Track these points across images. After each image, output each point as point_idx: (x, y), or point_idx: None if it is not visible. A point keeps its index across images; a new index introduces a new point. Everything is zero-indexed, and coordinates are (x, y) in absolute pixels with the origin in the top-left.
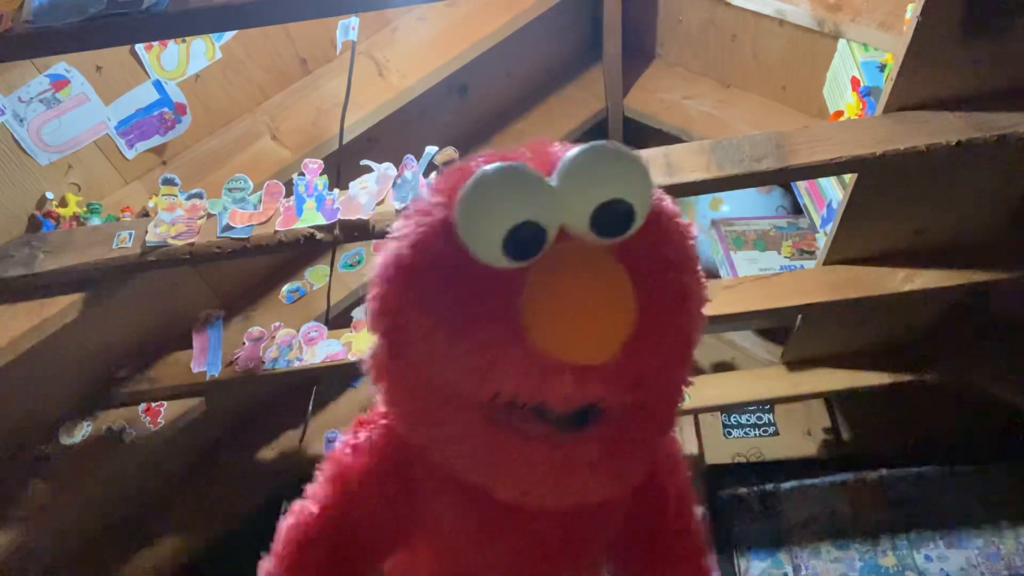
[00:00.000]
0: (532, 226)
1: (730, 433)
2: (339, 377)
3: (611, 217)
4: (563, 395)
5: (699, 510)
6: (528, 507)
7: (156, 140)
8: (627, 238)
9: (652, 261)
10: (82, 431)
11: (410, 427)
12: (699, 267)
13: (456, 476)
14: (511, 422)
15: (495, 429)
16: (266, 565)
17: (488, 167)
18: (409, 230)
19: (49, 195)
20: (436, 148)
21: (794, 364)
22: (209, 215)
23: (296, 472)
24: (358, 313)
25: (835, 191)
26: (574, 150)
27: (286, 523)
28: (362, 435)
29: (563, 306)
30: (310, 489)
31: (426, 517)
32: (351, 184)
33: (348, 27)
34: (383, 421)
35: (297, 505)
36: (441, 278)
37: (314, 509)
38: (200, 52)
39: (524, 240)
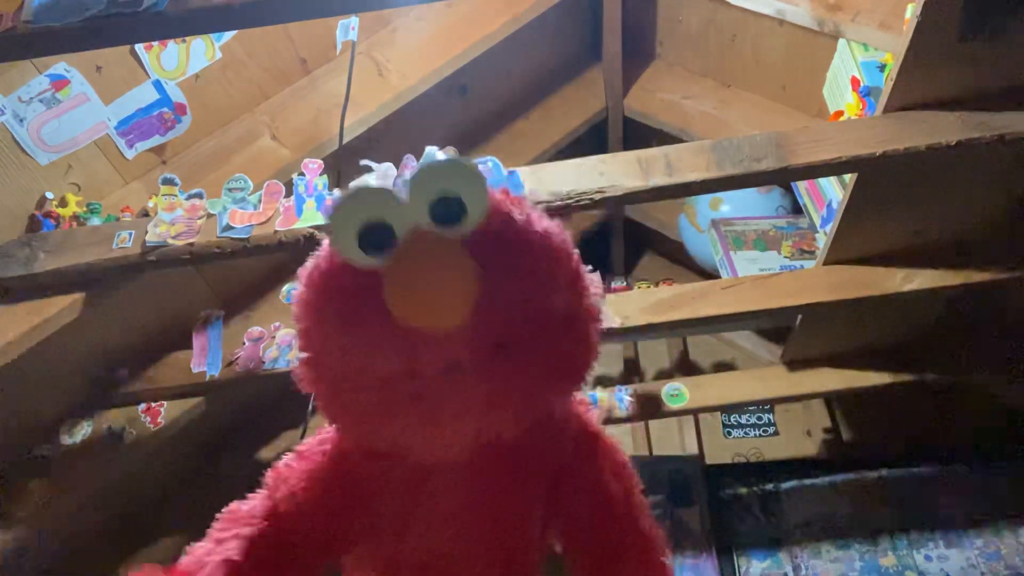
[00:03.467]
0: (379, 224)
1: (730, 433)
2: None
3: (446, 209)
4: (430, 358)
5: (650, 514)
6: (442, 472)
7: (156, 140)
8: (473, 230)
9: (496, 246)
10: (82, 431)
11: (331, 416)
12: (552, 240)
13: (376, 455)
14: (395, 389)
15: (385, 397)
16: (198, 550)
17: (346, 188)
18: (305, 269)
19: (49, 195)
20: (436, 148)
21: (794, 364)
22: (209, 215)
23: None
24: None
25: (835, 191)
26: (420, 162)
27: (222, 514)
28: (308, 444)
29: (409, 279)
30: (254, 495)
31: (364, 518)
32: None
33: (348, 27)
34: (325, 437)
35: (240, 505)
36: (331, 296)
37: (251, 504)
38: (200, 52)
39: (374, 237)
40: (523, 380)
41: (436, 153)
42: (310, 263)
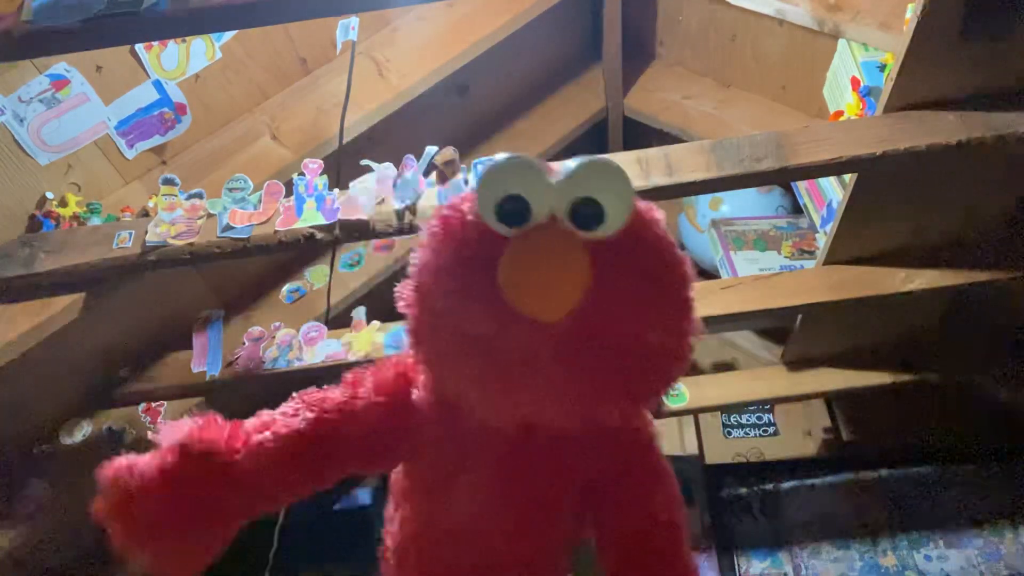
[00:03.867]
0: (519, 199)
1: (730, 433)
2: (339, 377)
3: (586, 213)
4: (517, 338)
5: (690, 549)
6: (492, 445)
7: (156, 140)
8: (605, 237)
9: (619, 255)
10: (82, 431)
11: (416, 341)
12: (675, 274)
13: (449, 402)
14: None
15: (467, 343)
16: (250, 428)
17: (505, 155)
18: (449, 203)
19: (49, 195)
20: (436, 148)
21: (794, 364)
22: (209, 215)
23: None
24: (358, 313)
25: (835, 191)
26: (584, 157)
27: (299, 396)
28: (380, 372)
29: (526, 262)
30: (319, 394)
31: (412, 446)
32: (351, 184)
33: (348, 27)
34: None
35: (314, 391)
36: (458, 241)
37: (328, 399)
38: (200, 52)
39: (512, 210)
40: (594, 385)
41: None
42: (457, 199)
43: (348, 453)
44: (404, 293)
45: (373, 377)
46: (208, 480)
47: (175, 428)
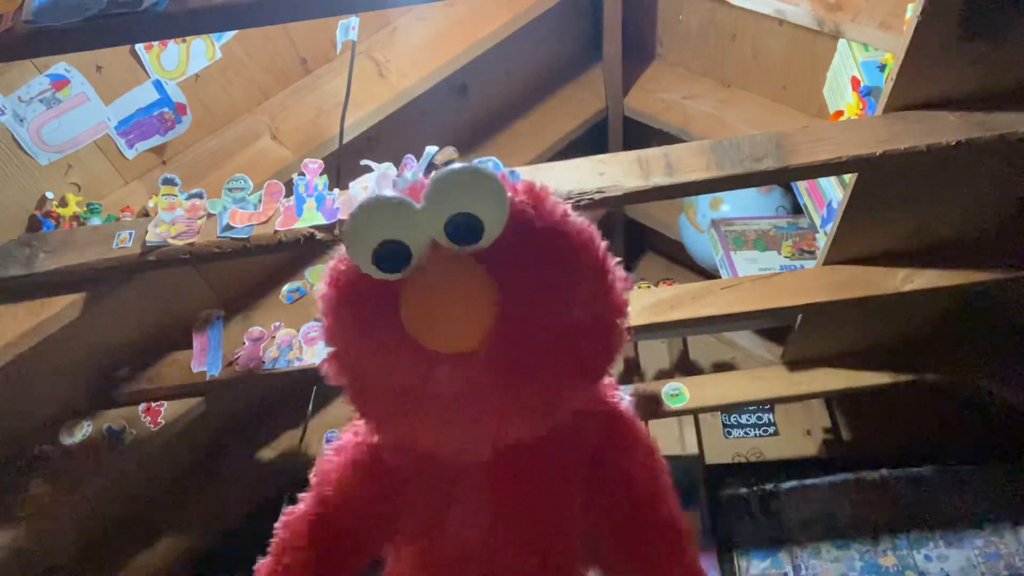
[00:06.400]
0: (394, 243)
1: (730, 433)
2: None
3: (462, 228)
4: (445, 376)
5: (676, 499)
6: (472, 469)
7: (156, 140)
8: (490, 246)
9: (515, 260)
10: (82, 431)
11: (359, 410)
12: (577, 243)
13: (405, 449)
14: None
15: (403, 399)
16: (261, 565)
17: (364, 199)
18: (328, 272)
19: (49, 195)
20: (436, 148)
21: (794, 364)
22: (209, 215)
23: (296, 472)
24: None
25: (835, 191)
26: (437, 172)
27: (278, 525)
28: (344, 436)
29: (425, 303)
30: (302, 495)
31: (402, 508)
32: (351, 184)
33: (348, 27)
34: (360, 430)
35: (289, 509)
36: (352, 302)
37: (301, 510)
38: (200, 52)
39: (389, 256)
40: (539, 389)
41: (435, 153)
42: (332, 261)
43: (354, 541)
44: (326, 369)
45: (333, 462)
46: None
47: None
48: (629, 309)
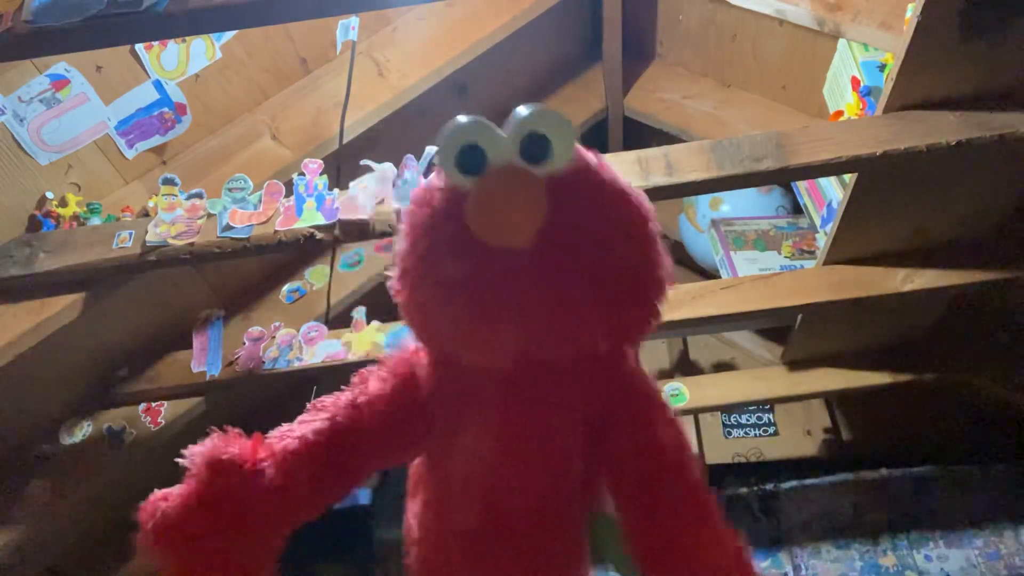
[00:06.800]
0: (475, 149)
1: (730, 433)
2: (339, 377)
3: (534, 148)
4: (496, 272)
5: (700, 468)
6: (491, 387)
7: (156, 140)
8: (556, 179)
9: (572, 187)
10: (82, 431)
11: (408, 319)
12: (632, 202)
13: (447, 361)
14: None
15: (445, 290)
16: (272, 438)
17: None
18: (409, 206)
19: (49, 195)
20: (436, 148)
21: (794, 364)
22: (209, 215)
23: None
24: (358, 313)
25: (835, 191)
26: (520, 106)
27: (312, 405)
28: (384, 367)
29: (486, 200)
30: (331, 397)
31: (424, 419)
32: (351, 184)
33: (348, 27)
34: (397, 356)
35: (326, 398)
36: (424, 208)
37: (341, 404)
38: (200, 52)
39: (470, 160)
40: (574, 304)
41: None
42: (423, 185)
43: (370, 444)
44: (392, 286)
45: (378, 370)
46: (242, 491)
47: (200, 448)
48: (667, 290)
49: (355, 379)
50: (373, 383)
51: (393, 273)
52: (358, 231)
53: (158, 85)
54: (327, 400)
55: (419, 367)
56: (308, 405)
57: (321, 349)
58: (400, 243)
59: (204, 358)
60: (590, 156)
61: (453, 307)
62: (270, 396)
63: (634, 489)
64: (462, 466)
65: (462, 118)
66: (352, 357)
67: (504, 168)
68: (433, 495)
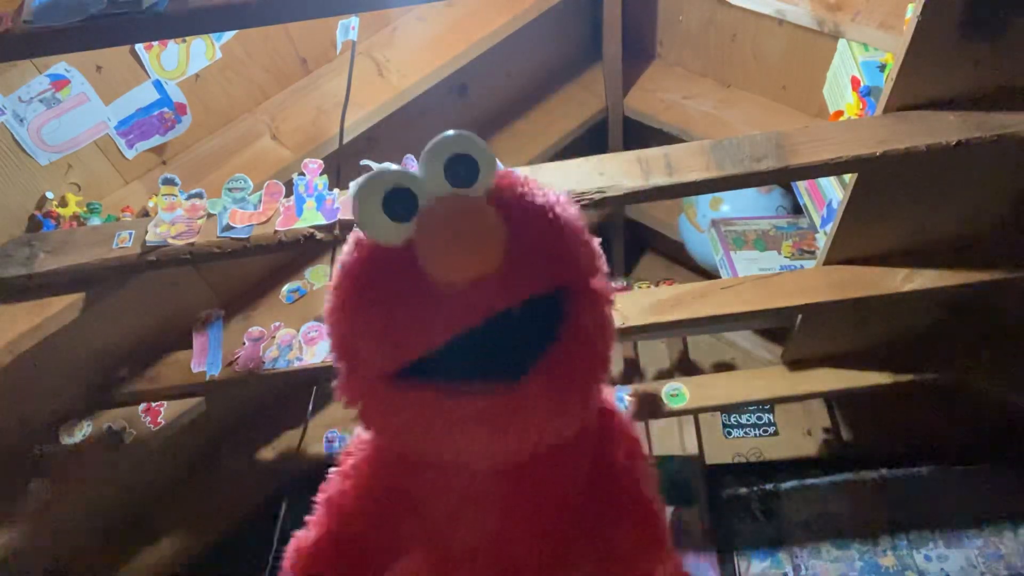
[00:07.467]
0: (401, 190)
1: (730, 433)
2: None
3: (461, 169)
4: (471, 312)
5: (654, 485)
6: (485, 472)
7: (156, 140)
8: (490, 193)
9: (513, 201)
10: (82, 431)
11: (375, 427)
12: (563, 216)
13: (426, 463)
14: (447, 389)
15: (437, 396)
16: None
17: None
18: (336, 273)
19: (49, 195)
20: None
21: (794, 364)
22: (209, 215)
23: (296, 472)
24: None
25: (835, 191)
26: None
27: (289, 550)
28: (348, 463)
29: (438, 234)
30: (309, 518)
31: (416, 520)
32: (351, 184)
33: (348, 27)
34: (363, 448)
35: (299, 532)
36: (367, 280)
37: (312, 534)
38: (200, 52)
39: (397, 202)
40: (580, 380)
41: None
42: (337, 265)
43: (369, 558)
44: (338, 388)
45: (341, 482)
46: None
47: None
48: (613, 297)
49: (320, 505)
50: (344, 502)
51: (336, 372)
52: None
53: (158, 85)
54: (301, 538)
55: (387, 464)
56: (283, 555)
57: (321, 349)
58: (338, 333)
59: (204, 358)
60: (509, 172)
61: (464, 431)
62: (270, 396)
63: (583, 504)
64: (464, 544)
65: (374, 167)
66: None
67: (442, 198)
68: (435, 560)
